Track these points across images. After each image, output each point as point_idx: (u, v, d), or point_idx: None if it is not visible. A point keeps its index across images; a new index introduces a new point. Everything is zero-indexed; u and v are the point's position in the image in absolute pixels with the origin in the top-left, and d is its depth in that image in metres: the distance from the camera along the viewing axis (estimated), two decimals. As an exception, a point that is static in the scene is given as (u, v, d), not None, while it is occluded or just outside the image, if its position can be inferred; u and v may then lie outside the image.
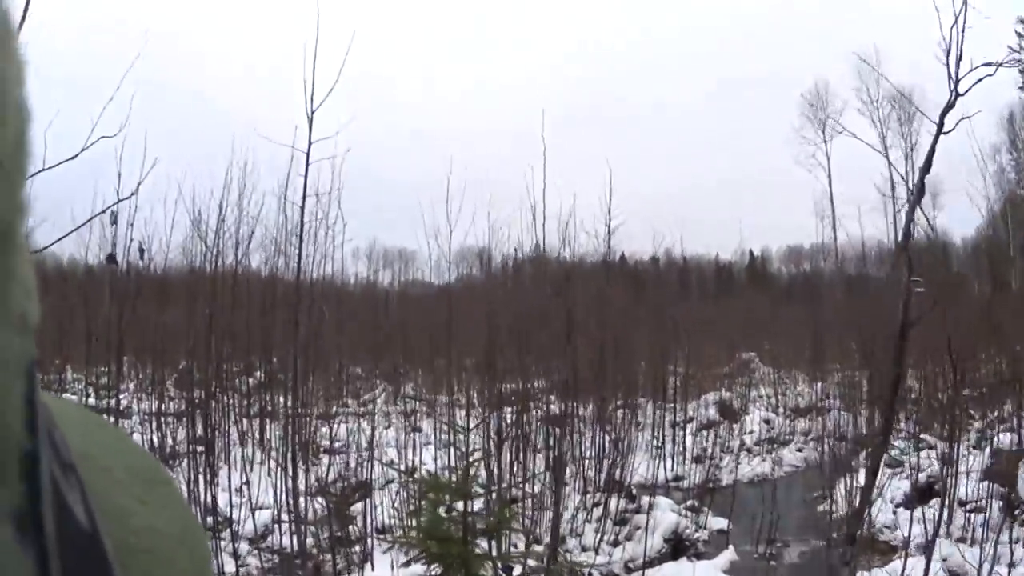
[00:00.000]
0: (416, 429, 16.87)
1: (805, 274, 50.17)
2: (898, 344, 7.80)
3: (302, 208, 8.46)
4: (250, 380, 16.17)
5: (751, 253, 51.86)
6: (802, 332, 27.33)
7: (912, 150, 34.56)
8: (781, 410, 22.42)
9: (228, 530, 9.68)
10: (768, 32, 56.00)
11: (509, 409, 15.31)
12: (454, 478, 6.26)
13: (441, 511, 7.36)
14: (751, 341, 27.70)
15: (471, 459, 5.69)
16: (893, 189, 35.94)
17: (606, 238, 15.73)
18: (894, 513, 12.11)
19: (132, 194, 6.75)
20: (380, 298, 26.81)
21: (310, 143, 8.16)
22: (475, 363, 18.68)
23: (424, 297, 30.64)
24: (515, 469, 12.47)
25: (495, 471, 11.23)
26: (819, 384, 23.84)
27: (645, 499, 12.29)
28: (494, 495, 7.23)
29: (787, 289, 44.09)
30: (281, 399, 15.97)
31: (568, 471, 13.85)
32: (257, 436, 14.51)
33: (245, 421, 14.72)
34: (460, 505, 6.12)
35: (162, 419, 12.19)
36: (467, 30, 65.03)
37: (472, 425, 14.46)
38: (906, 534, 10.03)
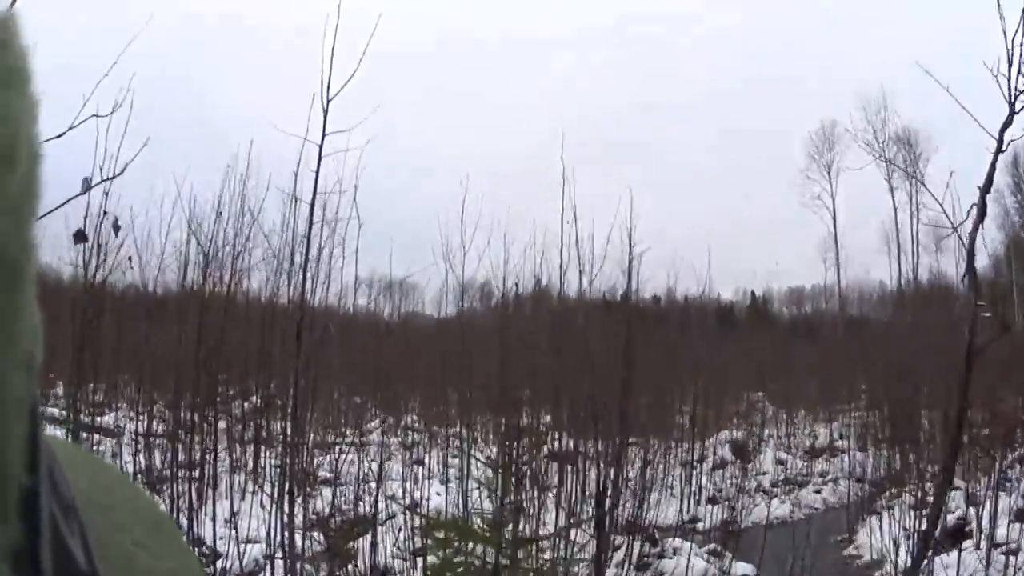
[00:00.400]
0: (419, 462, 16.13)
1: (806, 315, 50.25)
2: (964, 375, 7.00)
3: (311, 205, 7.68)
4: (245, 404, 15.41)
5: (753, 294, 51.55)
6: (808, 372, 27.03)
7: (916, 192, 34.79)
8: (794, 450, 21.75)
9: (213, 566, 8.81)
10: (773, 73, 56.00)
11: (516, 444, 14.84)
12: (479, 522, 5.38)
13: (450, 555, 6.57)
14: (756, 381, 27.20)
15: (504, 501, 4.82)
16: (898, 231, 35.99)
17: (626, 270, 14.91)
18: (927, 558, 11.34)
19: (119, 174, 5.95)
20: (381, 327, 26.22)
21: (324, 134, 7.40)
22: (484, 396, 18.21)
23: (425, 328, 30.22)
24: (532, 510, 11.62)
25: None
26: (833, 424, 23.37)
27: (668, 543, 11.48)
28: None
29: (789, 329, 43.81)
30: (278, 426, 15.24)
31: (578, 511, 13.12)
32: (251, 464, 13.68)
33: (239, 447, 13.90)
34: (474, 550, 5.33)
35: (150, 440, 11.35)
36: (467, 68, 64.55)
37: (488, 459, 13.77)
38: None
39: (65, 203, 5.49)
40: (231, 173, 11.91)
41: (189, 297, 11.42)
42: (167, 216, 11.47)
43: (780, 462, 19.94)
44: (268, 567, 9.37)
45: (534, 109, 58.88)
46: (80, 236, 6.54)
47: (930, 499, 12.03)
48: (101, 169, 6.48)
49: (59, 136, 5.56)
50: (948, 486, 7.90)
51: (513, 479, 10.24)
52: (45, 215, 5.99)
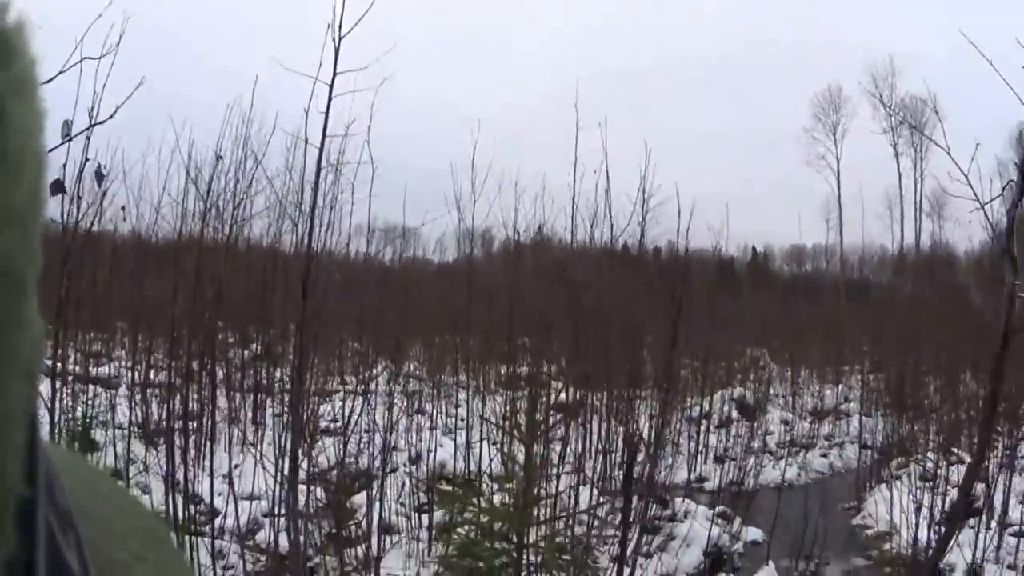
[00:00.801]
0: (420, 411, 15.88)
1: (807, 274, 50.14)
2: (998, 354, 6.64)
3: (320, 148, 7.22)
4: (245, 352, 15.12)
5: (753, 249, 51.17)
6: (810, 332, 26.82)
7: (922, 159, 34.73)
8: (799, 411, 21.50)
9: (211, 524, 8.56)
10: (780, 35, 55.22)
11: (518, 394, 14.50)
12: (505, 497, 5.03)
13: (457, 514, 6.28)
14: (756, 338, 26.90)
15: (531, 473, 4.47)
16: (902, 196, 36.14)
17: (640, 221, 14.56)
18: (932, 532, 11.16)
19: (109, 116, 5.50)
20: (382, 272, 25.90)
21: (334, 73, 6.93)
22: (489, 343, 17.98)
23: (426, 273, 29.93)
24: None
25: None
26: (839, 387, 23.11)
27: (678, 504, 11.21)
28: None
29: (789, 287, 43.75)
30: (278, 373, 14.95)
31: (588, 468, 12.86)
32: (250, 414, 13.40)
33: (238, 397, 13.62)
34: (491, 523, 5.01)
35: (147, 391, 11.04)
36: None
37: (498, 416, 13.49)
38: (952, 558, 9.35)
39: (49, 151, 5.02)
40: (232, 113, 11.39)
41: (188, 245, 10.98)
42: (165, 163, 10.97)
43: (785, 422, 19.56)
44: (267, 524, 9.13)
45: (543, 59, 58.00)
46: (57, 187, 6.08)
47: (939, 471, 11.90)
48: (90, 114, 6.04)
49: (48, 81, 5.14)
50: (979, 469, 7.62)
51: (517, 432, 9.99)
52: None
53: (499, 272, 20.65)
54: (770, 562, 10.56)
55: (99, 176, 6.18)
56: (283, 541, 8.42)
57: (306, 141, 8.21)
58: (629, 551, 8.39)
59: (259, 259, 16.25)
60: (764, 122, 54.42)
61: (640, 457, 10.13)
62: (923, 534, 10.53)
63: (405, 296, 22.64)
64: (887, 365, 21.04)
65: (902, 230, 36.29)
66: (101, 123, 5.49)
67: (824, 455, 17.87)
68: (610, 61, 59.87)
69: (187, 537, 7.58)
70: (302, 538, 8.27)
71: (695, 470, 14.41)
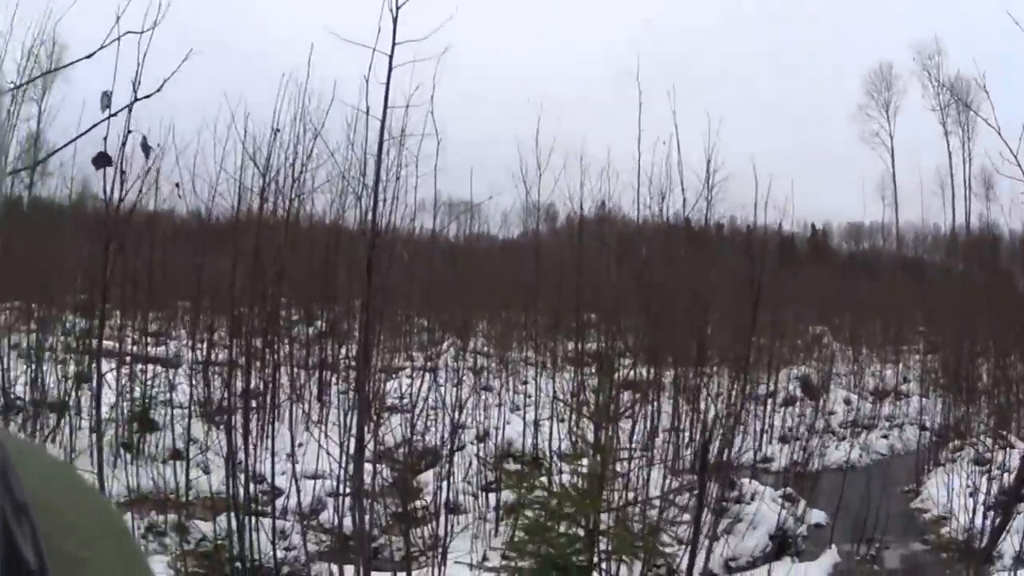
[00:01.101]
0: (487, 388, 15.60)
1: (864, 251, 49.19)
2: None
3: (382, 120, 6.89)
4: (310, 330, 15.01)
5: (813, 226, 50.00)
6: (869, 310, 26.49)
7: (969, 139, 35.62)
8: (860, 391, 20.88)
9: (273, 504, 8.35)
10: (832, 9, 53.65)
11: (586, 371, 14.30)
12: (573, 478, 4.63)
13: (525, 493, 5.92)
14: (818, 316, 26.46)
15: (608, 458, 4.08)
16: (952, 175, 35.56)
17: (707, 196, 14.11)
18: (985, 518, 10.59)
19: (157, 90, 5.19)
20: (448, 249, 25.76)
21: (394, 43, 6.60)
22: (551, 320, 17.69)
23: (490, 249, 29.79)
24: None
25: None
26: (899, 366, 22.65)
27: (745, 485, 10.75)
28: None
29: (847, 265, 42.90)
30: (343, 350, 14.81)
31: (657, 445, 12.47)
32: (314, 391, 13.26)
33: (303, 374, 13.48)
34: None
35: (209, 370, 10.92)
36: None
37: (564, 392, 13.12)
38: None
39: (90, 129, 4.79)
40: (287, 85, 11.08)
41: (247, 223, 10.75)
42: (221, 139, 10.68)
43: (847, 402, 19.06)
44: (330, 504, 8.90)
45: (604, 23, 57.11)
46: (102, 159, 5.81)
47: (992, 456, 11.33)
48: (134, 87, 5.77)
49: (89, 56, 4.89)
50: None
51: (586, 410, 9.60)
52: (72, 141, 5.33)
53: (564, 247, 20.33)
54: (832, 545, 10.16)
55: (145, 148, 5.87)
56: (347, 521, 8.17)
57: (367, 112, 7.93)
58: (702, 536, 8.00)
59: (322, 236, 16.13)
60: (818, 98, 53.03)
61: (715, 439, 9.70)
62: (979, 520, 10.10)
63: (471, 272, 22.48)
64: (942, 345, 20.67)
65: (953, 210, 35.67)
66: (147, 97, 5.18)
67: (884, 436, 17.31)
68: (664, 37, 58.62)
69: (248, 518, 7.36)
70: (367, 518, 8.02)
71: (761, 450, 13.92)
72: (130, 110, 5.58)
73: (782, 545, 10.23)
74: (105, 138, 5.76)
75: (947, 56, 36.33)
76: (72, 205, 14.51)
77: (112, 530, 0.55)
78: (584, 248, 16.97)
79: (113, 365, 10.63)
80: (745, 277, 16.87)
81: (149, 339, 12.08)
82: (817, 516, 11.35)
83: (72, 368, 11.08)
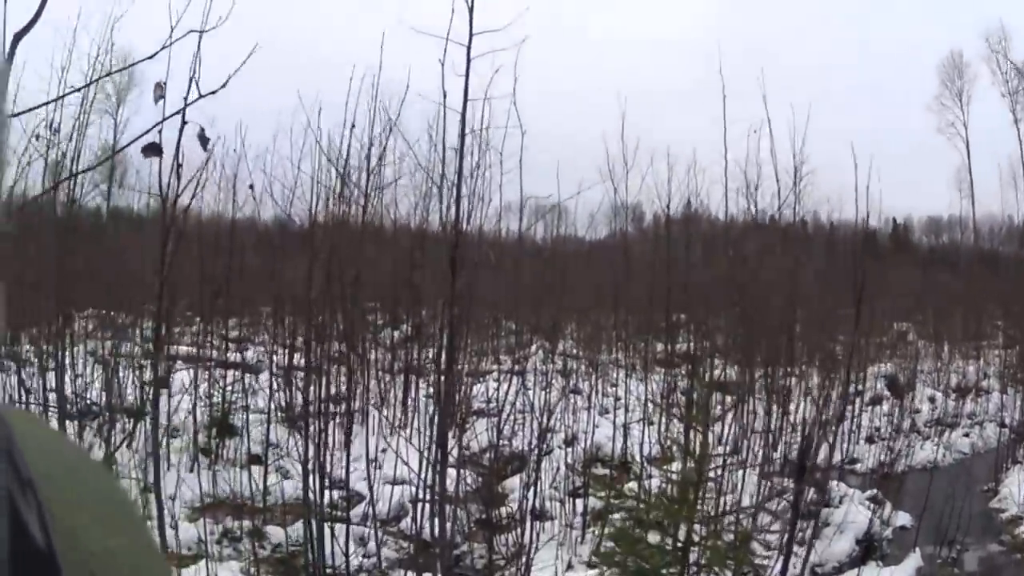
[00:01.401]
0: (576, 391, 15.24)
1: (943, 245, 47.87)
2: None
3: (463, 113, 6.64)
4: (395, 334, 14.91)
5: (894, 221, 48.46)
6: (950, 305, 25.90)
7: None
8: (942, 388, 20.19)
9: (347, 511, 8.15)
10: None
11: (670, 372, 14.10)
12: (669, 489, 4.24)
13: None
14: (902, 312, 25.73)
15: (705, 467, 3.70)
16: None
17: (796, 191, 13.57)
18: None
19: (222, 85, 5.00)
20: (534, 251, 25.62)
21: (471, 34, 6.38)
22: (640, 321, 17.31)
23: (578, 251, 29.55)
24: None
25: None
26: (980, 361, 22.04)
27: (834, 488, 10.24)
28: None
29: (927, 260, 41.63)
30: (429, 354, 14.65)
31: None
32: (399, 395, 13.12)
33: (387, 378, 13.35)
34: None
35: (291, 375, 10.84)
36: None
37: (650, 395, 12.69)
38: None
39: (156, 126, 4.63)
40: (362, 78, 10.86)
41: (328, 225, 10.61)
42: (298, 141, 10.57)
43: (931, 400, 18.56)
44: (414, 511, 8.65)
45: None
46: (152, 149, 5.63)
47: None
48: (195, 84, 5.61)
49: (151, 57, 4.74)
50: None
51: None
52: (136, 140, 5.20)
53: (651, 247, 20.08)
54: (917, 548, 9.73)
55: (203, 139, 5.66)
56: (428, 528, 7.92)
57: (443, 102, 7.67)
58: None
59: (406, 238, 16.04)
60: (897, 87, 51.14)
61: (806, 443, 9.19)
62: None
63: (559, 273, 22.20)
64: (1019, 339, 19.94)
65: (1025, 200, 34.08)
66: (212, 93, 4.99)
67: (966, 434, 16.73)
68: (743, 26, 57.33)
69: (325, 524, 7.17)
70: (449, 524, 7.75)
71: (847, 451, 13.35)
72: (185, 106, 5.38)
73: (868, 549, 9.89)
74: (160, 130, 5.60)
75: (1012, 40, 34.58)
76: (152, 214, 14.74)
77: (117, 503, 0.55)
78: (671, 247, 16.67)
79: (190, 369, 10.68)
80: (831, 274, 16.43)
81: (230, 344, 12.12)
82: (903, 518, 10.96)
83: (148, 374, 11.20)
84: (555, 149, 16.72)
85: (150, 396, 8.09)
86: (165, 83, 5.47)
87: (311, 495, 7.45)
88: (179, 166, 6.32)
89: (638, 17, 61.76)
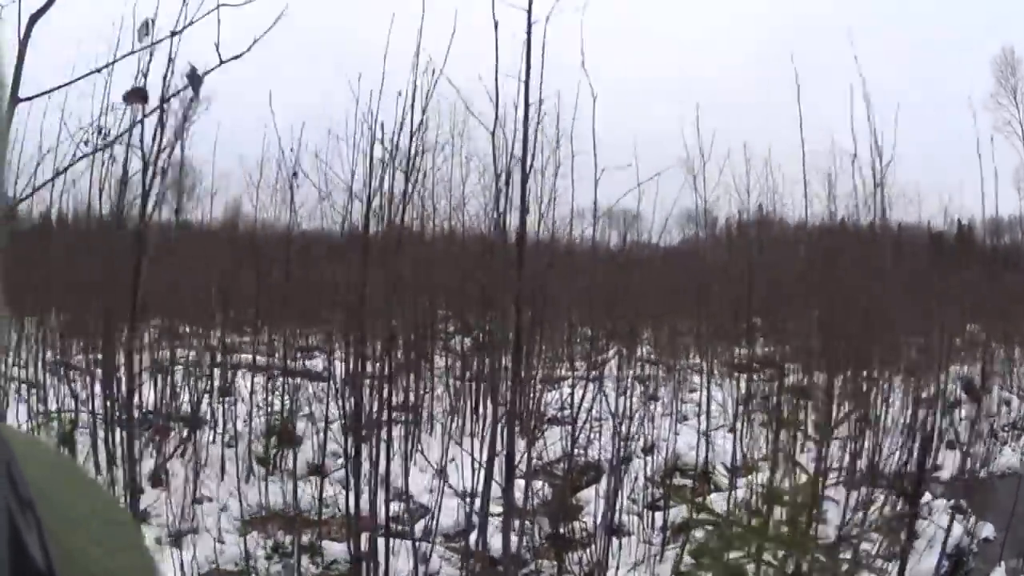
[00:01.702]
0: (653, 398, 14.71)
1: (1006, 246, 46.76)
2: None
3: (526, 85, 6.22)
4: (466, 341, 14.63)
5: (959, 222, 46.65)
6: (1017, 305, 24.78)
7: None
8: (1017, 390, 19.65)
9: (411, 523, 7.77)
10: None
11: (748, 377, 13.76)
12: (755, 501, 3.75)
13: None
14: (973, 314, 24.70)
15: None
16: None
17: (879, 193, 12.86)
18: None
19: (247, 49, 4.60)
20: (608, 256, 25.42)
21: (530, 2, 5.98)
22: (718, 326, 17.10)
23: (652, 257, 29.32)
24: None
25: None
26: None
27: (926, 499, 9.57)
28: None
29: (991, 260, 40.41)
30: (503, 361, 14.33)
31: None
32: (470, 403, 12.78)
33: (457, 385, 13.06)
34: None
35: (359, 382, 10.58)
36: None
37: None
38: None
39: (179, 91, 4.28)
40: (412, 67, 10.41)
41: (388, 233, 10.19)
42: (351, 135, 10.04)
43: (1006, 403, 17.95)
44: (480, 525, 8.23)
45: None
46: (136, 94, 5.17)
47: None
48: (217, 51, 5.22)
49: (176, 34, 4.44)
50: None
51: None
52: (159, 106, 4.90)
53: (725, 251, 19.75)
54: (1002, 562, 8.94)
55: (193, 80, 5.08)
56: (496, 543, 7.49)
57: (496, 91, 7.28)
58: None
59: (476, 244, 15.77)
60: (945, 85, 49.33)
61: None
62: None
63: (634, 278, 21.79)
64: None
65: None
66: (234, 58, 4.61)
67: None
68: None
69: (386, 538, 6.79)
70: (516, 539, 7.31)
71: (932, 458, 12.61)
72: (206, 72, 4.94)
73: (957, 564, 9.18)
74: (145, 72, 5.21)
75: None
76: (224, 226, 14.75)
77: (117, 522, 0.54)
78: (748, 251, 16.18)
79: (252, 377, 10.52)
80: (899, 276, 15.79)
81: (295, 352, 11.96)
82: (987, 529, 10.16)
83: (204, 383, 11.04)
84: (627, 152, 16.34)
85: (209, 404, 7.92)
86: (153, 20, 5.05)
87: (374, 507, 7.10)
88: (162, 110, 5.84)
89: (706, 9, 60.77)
